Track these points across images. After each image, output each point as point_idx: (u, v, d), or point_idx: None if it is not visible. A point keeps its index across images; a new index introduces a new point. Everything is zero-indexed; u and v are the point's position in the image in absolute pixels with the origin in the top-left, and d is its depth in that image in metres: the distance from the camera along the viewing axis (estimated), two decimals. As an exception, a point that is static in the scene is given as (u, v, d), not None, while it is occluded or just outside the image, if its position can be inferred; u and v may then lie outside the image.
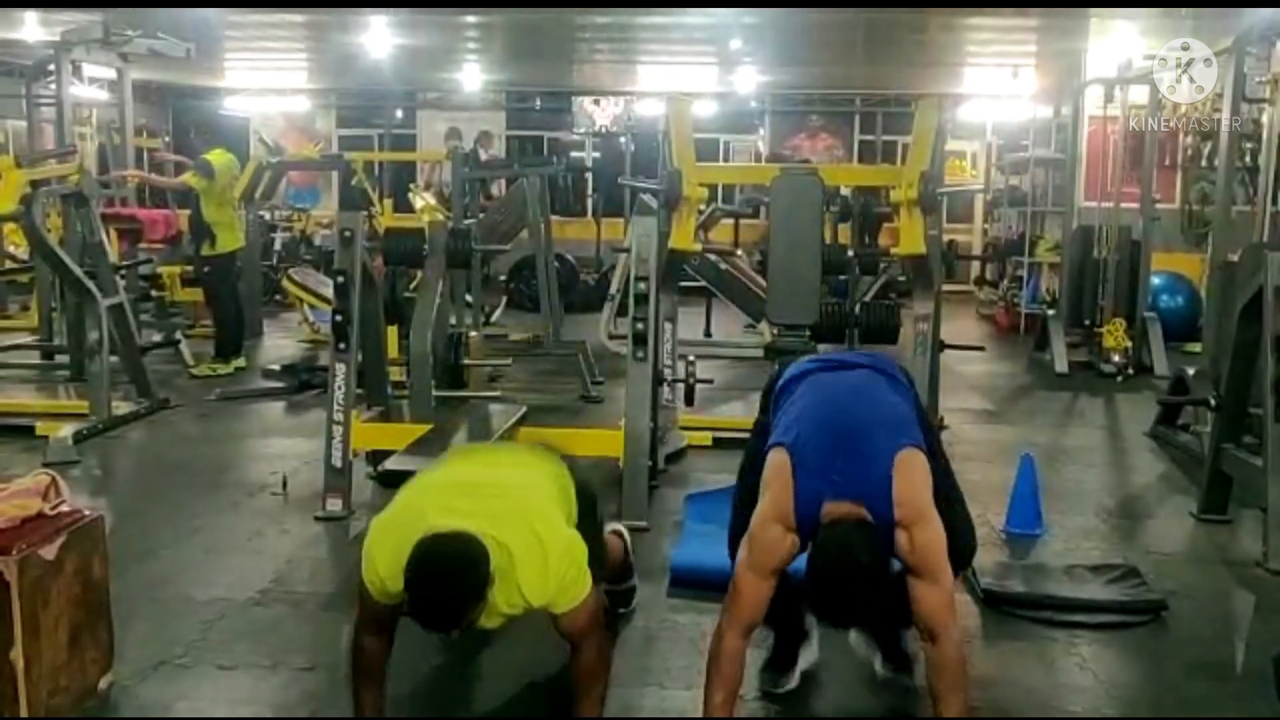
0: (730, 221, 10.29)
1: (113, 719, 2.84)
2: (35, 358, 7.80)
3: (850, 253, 6.65)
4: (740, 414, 6.22)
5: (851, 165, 13.25)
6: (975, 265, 12.90)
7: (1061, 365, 8.17)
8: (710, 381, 5.63)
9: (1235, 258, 5.94)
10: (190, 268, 8.49)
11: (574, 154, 14.05)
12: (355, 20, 9.64)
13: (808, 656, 3.06)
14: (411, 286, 6.89)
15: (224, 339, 7.76)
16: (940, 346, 5.38)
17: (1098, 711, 2.99)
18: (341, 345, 4.58)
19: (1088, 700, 3.04)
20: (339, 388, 4.54)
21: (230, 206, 7.99)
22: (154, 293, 8.98)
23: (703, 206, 7.37)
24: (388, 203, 10.33)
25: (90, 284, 5.96)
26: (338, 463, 4.52)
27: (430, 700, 2.97)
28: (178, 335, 8.06)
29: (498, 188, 11.74)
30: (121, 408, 6.06)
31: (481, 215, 8.84)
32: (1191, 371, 5.86)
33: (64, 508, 2.85)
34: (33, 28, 9.72)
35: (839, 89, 14.15)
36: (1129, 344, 8.08)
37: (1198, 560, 4.24)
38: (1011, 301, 10.77)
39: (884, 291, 8.66)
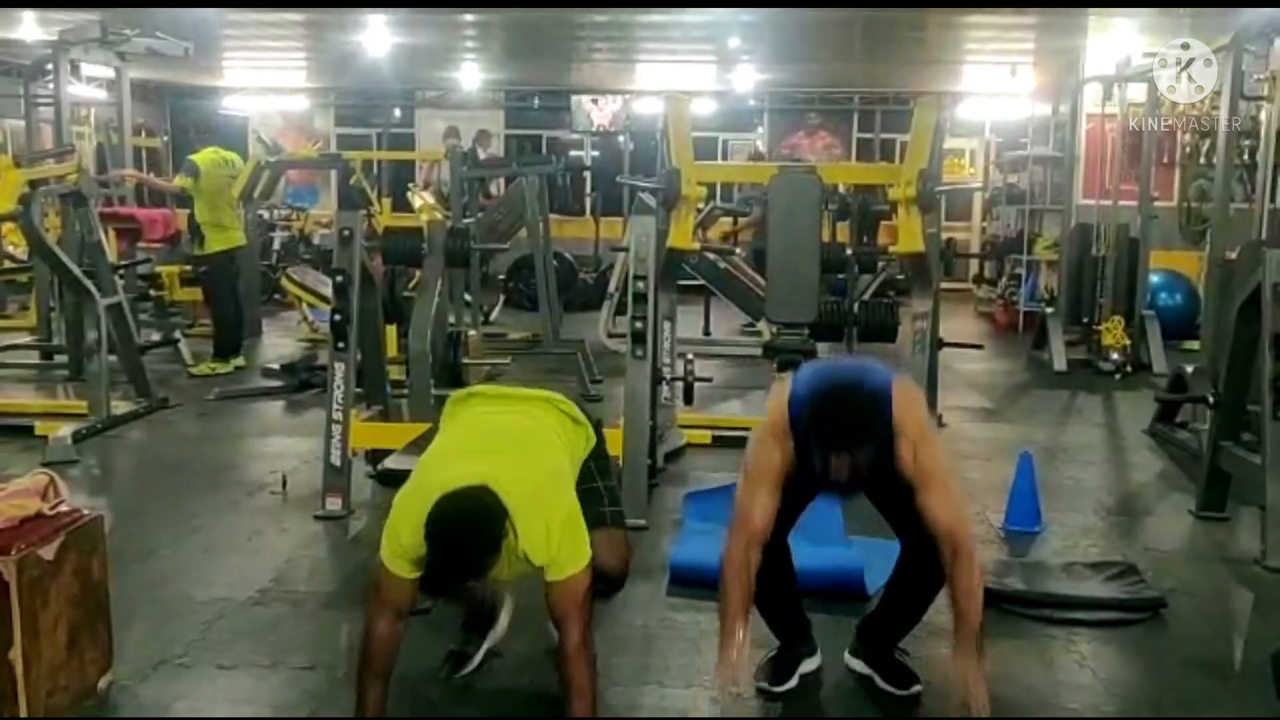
0: (729, 220, 10.30)
1: (112, 719, 2.84)
2: (34, 357, 7.80)
3: (849, 251, 6.64)
4: (739, 412, 6.24)
5: (850, 163, 13.25)
6: (974, 263, 12.90)
7: (1060, 363, 8.18)
8: (709, 380, 5.64)
9: (1233, 255, 5.95)
10: (189, 267, 8.49)
11: (572, 153, 14.04)
12: (354, 19, 9.64)
13: (809, 665, 3.06)
14: (410, 285, 6.89)
15: (223, 338, 7.74)
16: (939, 344, 5.39)
17: (1097, 709, 2.99)
18: (340, 344, 4.58)
19: (1087, 698, 3.04)
20: (338, 387, 4.54)
21: (228, 206, 7.89)
22: (153, 292, 8.96)
23: (701, 205, 7.37)
24: (386, 202, 10.32)
25: (89, 283, 5.95)
26: (337, 462, 4.52)
27: (430, 700, 2.97)
28: (176, 335, 8.05)
29: (496, 187, 11.74)
30: (120, 407, 6.06)
31: (480, 214, 8.83)
32: (1190, 369, 5.87)
33: (63, 507, 2.85)
34: (31, 27, 9.71)
35: (837, 87, 14.15)
36: (1127, 342, 8.08)
37: (1196, 558, 4.24)
38: (1010, 299, 10.78)
39: (883, 290, 8.67)
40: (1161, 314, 8.51)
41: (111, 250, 7.35)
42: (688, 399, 5.25)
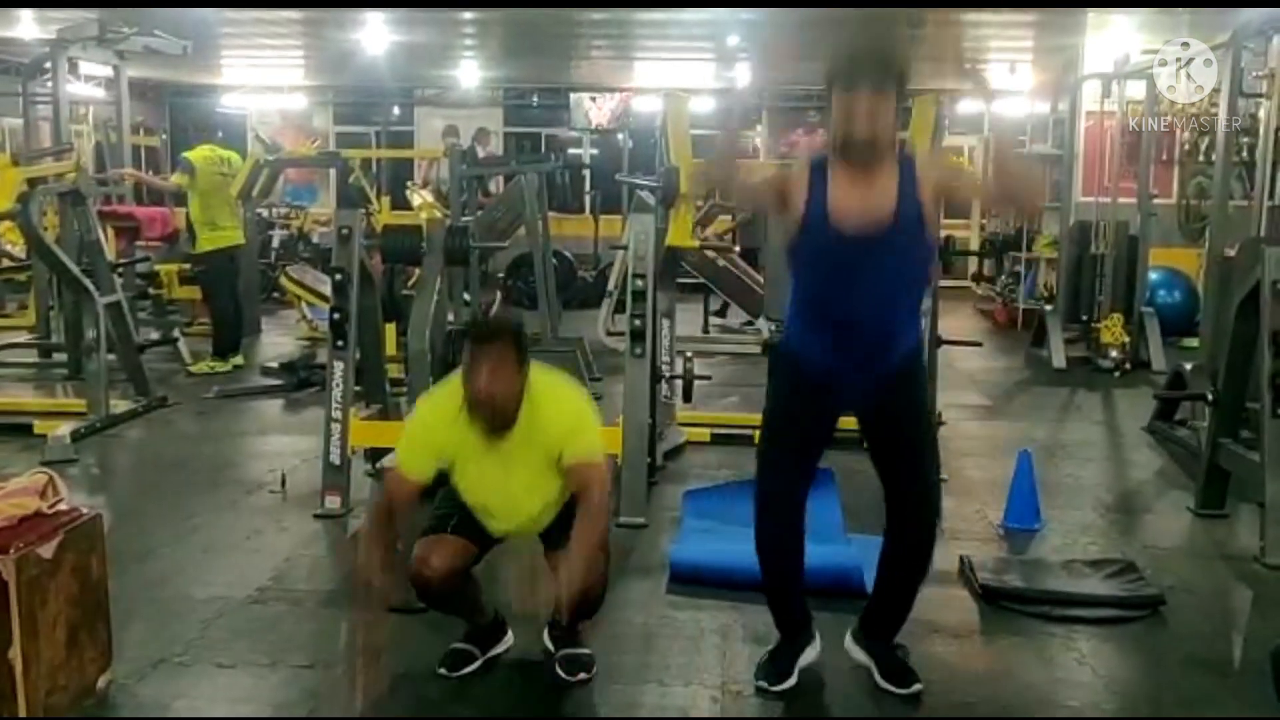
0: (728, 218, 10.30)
1: (111, 718, 2.84)
2: (33, 356, 7.79)
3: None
4: (738, 410, 6.23)
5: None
6: (973, 261, 12.89)
7: (1059, 360, 8.18)
8: (708, 378, 5.64)
9: (1233, 253, 5.95)
10: (188, 265, 8.48)
11: (572, 151, 14.04)
12: (352, 17, 9.63)
13: (809, 655, 3.06)
14: (409, 284, 6.88)
15: (221, 337, 7.73)
16: (938, 342, 5.38)
17: (1096, 706, 2.99)
18: (339, 343, 4.58)
19: (1086, 695, 3.04)
20: (337, 385, 4.54)
21: (224, 205, 7.79)
22: (151, 291, 8.95)
23: (700, 203, 7.37)
24: (385, 200, 10.30)
25: (87, 282, 5.95)
26: (336, 460, 4.52)
27: (430, 699, 2.97)
28: (175, 333, 8.04)
29: (495, 185, 11.73)
30: (119, 406, 6.06)
31: (479, 212, 8.82)
32: (1189, 366, 5.87)
33: (62, 506, 2.85)
34: (29, 25, 9.71)
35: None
36: (1126, 339, 8.08)
37: (1195, 555, 4.24)
38: (1009, 297, 10.78)
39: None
40: (1160, 311, 8.51)
41: (110, 249, 7.33)
42: (687, 397, 5.24)
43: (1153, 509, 4.93)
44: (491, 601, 3.12)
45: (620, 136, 13.91)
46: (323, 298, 7.83)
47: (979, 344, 7.41)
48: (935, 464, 3.11)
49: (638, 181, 7.72)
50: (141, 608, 3.45)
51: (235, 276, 8.05)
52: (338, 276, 4.63)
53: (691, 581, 3.68)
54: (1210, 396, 4.64)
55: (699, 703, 2.93)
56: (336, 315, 4.61)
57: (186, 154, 7.85)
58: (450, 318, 6.79)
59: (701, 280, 8.65)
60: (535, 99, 14.95)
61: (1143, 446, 5.95)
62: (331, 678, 3.05)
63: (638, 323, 4.54)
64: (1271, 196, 6.31)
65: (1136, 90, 8.33)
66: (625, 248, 6.24)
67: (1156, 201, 8.91)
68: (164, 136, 13.74)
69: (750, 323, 9.34)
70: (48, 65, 8.43)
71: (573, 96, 13.95)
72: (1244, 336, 4.35)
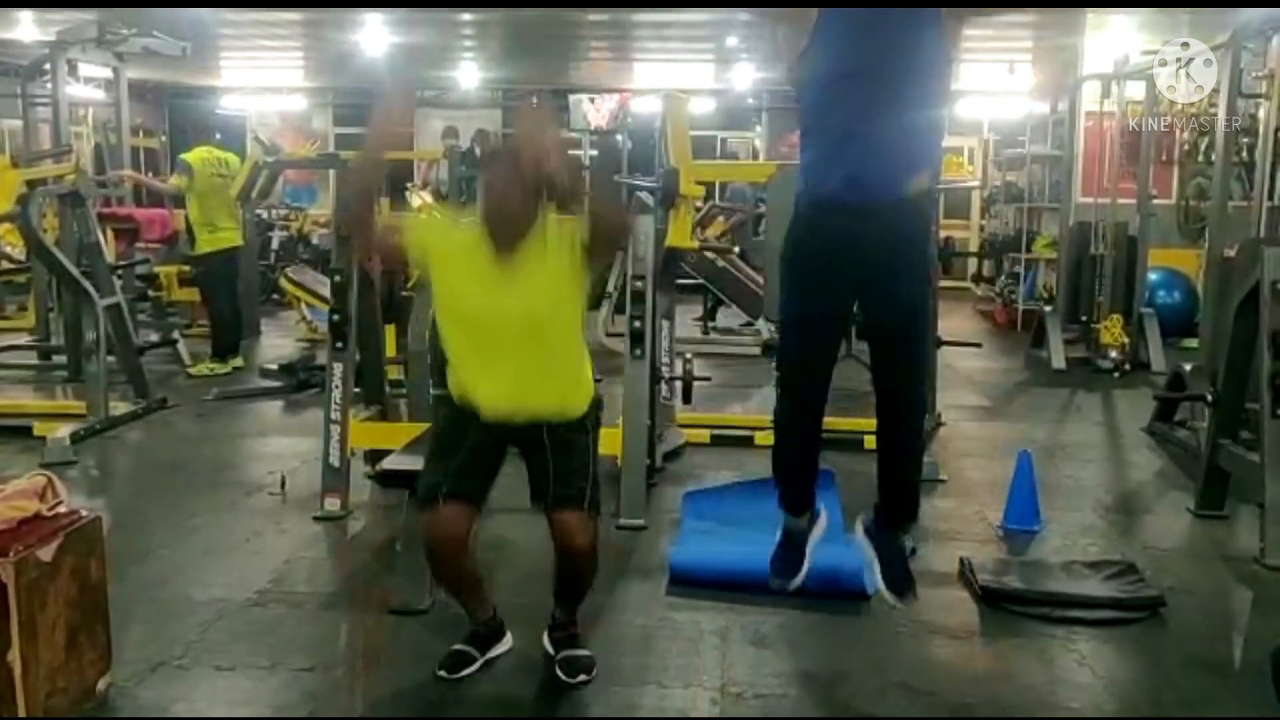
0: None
1: (111, 720, 2.85)
2: (32, 358, 7.79)
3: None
4: (738, 411, 6.24)
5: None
6: (972, 262, 12.90)
7: (1058, 361, 8.18)
8: (708, 379, 5.63)
9: (1232, 253, 5.94)
10: (187, 267, 8.48)
11: (570, 151, 14.02)
12: (351, 18, 9.64)
13: (815, 534, 3.09)
14: (409, 285, 6.87)
15: (221, 338, 7.72)
16: (937, 343, 5.38)
17: (1096, 708, 2.99)
18: (339, 344, 4.57)
19: (1086, 697, 3.04)
20: (337, 387, 4.53)
21: (223, 206, 7.76)
22: (151, 293, 8.96)
23: (699, 204, 7.37)
24: (385, 201, 10.31)
25: (87, 284, 5.95)
26: (336, 462, 4.51)
27: (430, 700, 2.97)
28: (175, 335, 8.03)
29: (495, 186, 11.71)
30: (119, 408, 6.06)
31: (478, 213, 8.81)
32: (1188, 367, 5.87)
33: (61, 509, 2.84)
34: (28, 27, 9.72)
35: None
36: (1126, 340, 8.08)
37: (1195, 556, 4.24)
38: (1008, 298, 10.78)
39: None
40: (1160, 312, 8.51)
41: (110, 251, 7.33)
42: (686, 398, 5.24)
43: (1152, 510, 4.93)
44: (491, 601, 3.11)
45: (619, 138, 13.90)
46: (322, 299, 7.82)
47: (978, 345, 7.42)
48: (923, 367, 3.15)
49: (637, 182, 7.71)
50: (141, 610, 3.44)
51: (234, 278, 8.03)
52: (337, 278, 4.62)
53: (691, 583, 3.67)
54: (1210, 397, 4.64)
55: (698, 704, 2.93)
56: (336, 317, 4.60)
57: (184, 156, 7.84)
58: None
59: (701, 280, 8.65)
60: (535, 100, 14.94)
61: (1142, 447, 5.95)
62: (331, 680, 3.05)
63: (637, 324, 4.54)
64: (1271, 197, 6.30)
65: (1136, 90, 8.33)
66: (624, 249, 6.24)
67: (1156, 202, 8.91)
68: (163, 138, 13.75)
69: (750, 323, 9.34)
70: (47, 67, 8.43)
71: (571, 98, 13.95)
72: (1243, 337, 4.34)
